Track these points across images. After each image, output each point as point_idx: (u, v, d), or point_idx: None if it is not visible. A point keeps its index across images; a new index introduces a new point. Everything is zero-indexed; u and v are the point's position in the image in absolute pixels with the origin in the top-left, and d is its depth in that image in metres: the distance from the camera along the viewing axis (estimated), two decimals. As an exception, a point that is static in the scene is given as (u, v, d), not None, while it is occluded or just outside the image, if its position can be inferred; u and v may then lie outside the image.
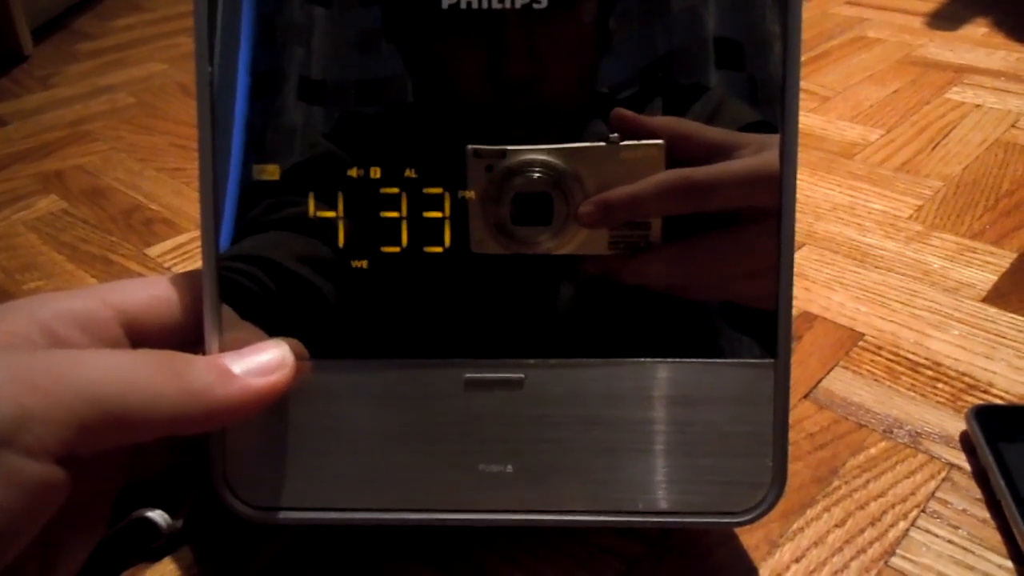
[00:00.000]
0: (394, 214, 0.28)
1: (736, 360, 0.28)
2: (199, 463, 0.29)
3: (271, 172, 0.28)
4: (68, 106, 0.74)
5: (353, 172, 0.28)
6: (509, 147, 0.28)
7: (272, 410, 0.28)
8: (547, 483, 0.29)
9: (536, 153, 0.28)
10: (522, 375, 0.29)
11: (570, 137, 0.28)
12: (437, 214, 0.28)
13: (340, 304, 0.29)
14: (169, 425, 0.24)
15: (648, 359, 0.28)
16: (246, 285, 0.28)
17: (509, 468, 0.29)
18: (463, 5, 0.27)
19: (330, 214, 0.28)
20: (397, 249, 0.28)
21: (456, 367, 0.29)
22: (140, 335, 0.28)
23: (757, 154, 0.27)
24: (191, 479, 0.33)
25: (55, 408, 0.22)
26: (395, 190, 0.28)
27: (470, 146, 0.28)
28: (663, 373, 0.28)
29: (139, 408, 0.23)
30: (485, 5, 0.27)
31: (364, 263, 0.29)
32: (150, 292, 0.28)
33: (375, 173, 0.28)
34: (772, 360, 0.28)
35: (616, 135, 0.28)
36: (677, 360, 0.28)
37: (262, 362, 0.27)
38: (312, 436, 0.29)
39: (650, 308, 0.28)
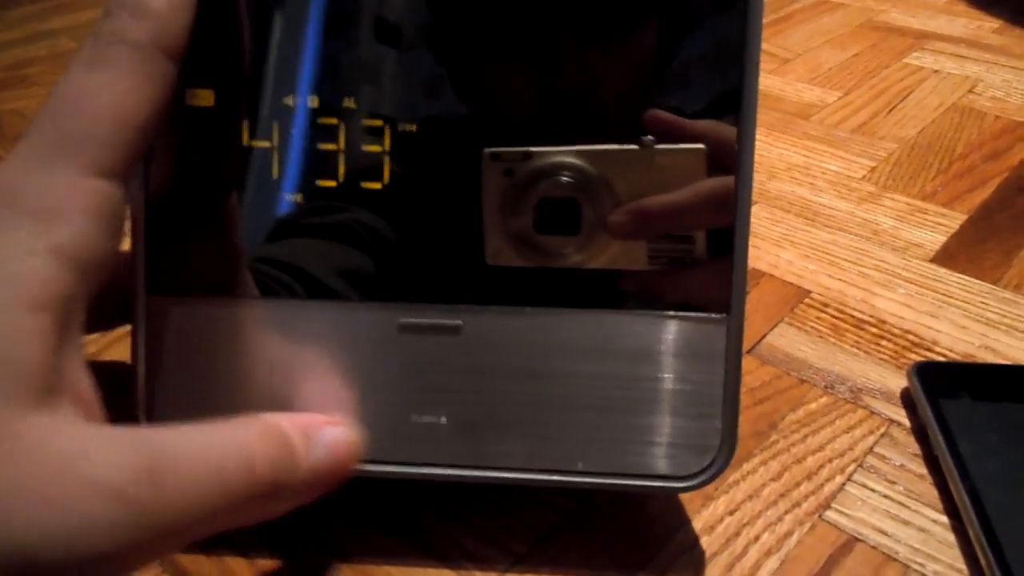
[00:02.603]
0: (331, 146, 0.27)
1: (686, 314, 0.27)
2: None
3: (204, 97, 0.27)
4: (7, 50, 0.71)
5: (289, 100, 0.27)
6: (532, 148, 0.26)
7: (196, 350, 0.27)
8: (482, 437, 0.27)
9: (562, 156, 0.26)
10: (459, 322, 0.27)
11: (601, 142, 0.26)
12: (376, 148, 0.27)
13: (272, 240, 0.27)
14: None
15: (593, 309, 0.27)
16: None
17: (443, 420, 0.27)
18: None
19: (264, 143, 0.27)
20: (333, 184, 0.27)
21: (390, 311, 0.27)
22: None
23: None
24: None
25: None
26: (333, 120, 0.27)
27: (488, 149, 0.26)
28: (608, 325, 0.27)
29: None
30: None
31: (299, 197, 0.27)
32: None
33: (313, 102, 0.27)
34: (725, 315, 0.27)
35: (651, 138, 0.26)
36: (624, 312, 0.27)
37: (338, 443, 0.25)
38: (238, 379, 0.27)
39: None
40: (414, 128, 0.27)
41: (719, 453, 0.27)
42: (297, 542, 0.30)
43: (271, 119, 0.27)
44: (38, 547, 0.17)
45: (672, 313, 0.27)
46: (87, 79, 0.22)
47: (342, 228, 0.27)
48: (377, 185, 0.27)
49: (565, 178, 0.27)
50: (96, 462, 0.19)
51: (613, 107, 0.27)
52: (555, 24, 0.26)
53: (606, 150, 0.26)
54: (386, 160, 0.27)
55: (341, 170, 0.27)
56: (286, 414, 0.24)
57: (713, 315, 0.27)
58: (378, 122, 0.27)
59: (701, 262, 0.27)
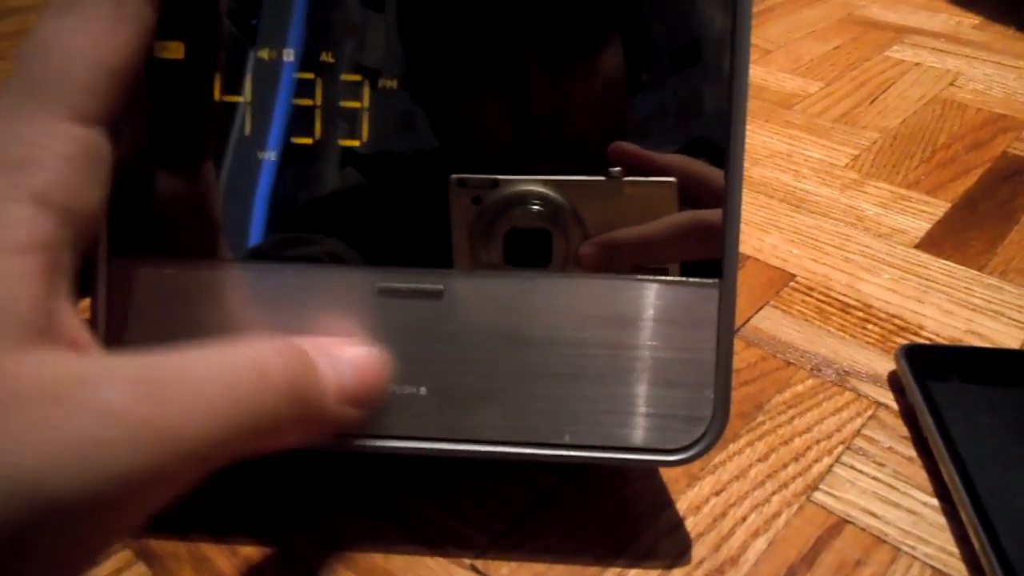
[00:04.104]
0: (307, 102, 0.26)
1: (677, 279, 0.26)
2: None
3: (174, 50, 0.25)
4: (-29, 25, 0.69)
5: (265, 54, 0.25)
6: (501, 176, 0.26)
7: (162, 315, 0.26)
8: (463, 409, 0.26)
9: (531, 184, 0.26)
10: (441, 286, 0.26)
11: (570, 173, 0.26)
12: (355, 104, 0.26)
13: (243, 199, 0.26)
14: None
15: (580, 274, 0.26)
16: None
17: (423, 391, 0.26)
18: None
19: (237, 99, 0.26)
20: (309, 141, 0.26)
21: (368, 275, 0.26)
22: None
23: None
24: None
25: None
26: (310, 75, 0.26)
27: (454, 176, 0.25)
28: (596, 289, 0.26)
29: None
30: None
31: (273, 155, 0.26)
32: None
33: (288, 56, 0.26)
34: (717, 280, 0.26)
35: (619, 169, 0.25)
36: (612, 276, 0.26)
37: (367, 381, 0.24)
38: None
39: None
40: (395, 84, 0.26)
41: (711, 424, 0.26)
42: (274, 524, 0.29)
43: (244, 73, 0.26)
44: (44, 475, 0.16)
45: (662, 278, 0.26)
46: (59, 23, 0.21)
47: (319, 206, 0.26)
48: (356, 143, 0.26)
49: (535, 207, 0.26)
50: (94, 386, 0.17)
51: (581, 138, 0.26)
52: (522, 50, 0.25)
53: (574, 180, 0.26)
54: (365, 117, 0.26)
55: (318, 127, 0.26)
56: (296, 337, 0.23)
57: (705, 280, 0.26)
58: (357, 77, 0.26)
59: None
